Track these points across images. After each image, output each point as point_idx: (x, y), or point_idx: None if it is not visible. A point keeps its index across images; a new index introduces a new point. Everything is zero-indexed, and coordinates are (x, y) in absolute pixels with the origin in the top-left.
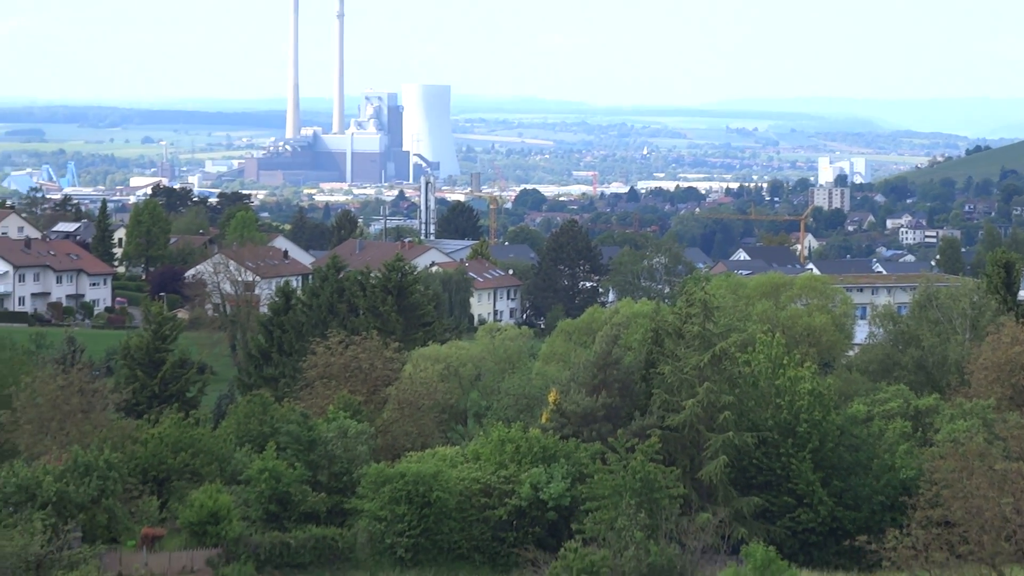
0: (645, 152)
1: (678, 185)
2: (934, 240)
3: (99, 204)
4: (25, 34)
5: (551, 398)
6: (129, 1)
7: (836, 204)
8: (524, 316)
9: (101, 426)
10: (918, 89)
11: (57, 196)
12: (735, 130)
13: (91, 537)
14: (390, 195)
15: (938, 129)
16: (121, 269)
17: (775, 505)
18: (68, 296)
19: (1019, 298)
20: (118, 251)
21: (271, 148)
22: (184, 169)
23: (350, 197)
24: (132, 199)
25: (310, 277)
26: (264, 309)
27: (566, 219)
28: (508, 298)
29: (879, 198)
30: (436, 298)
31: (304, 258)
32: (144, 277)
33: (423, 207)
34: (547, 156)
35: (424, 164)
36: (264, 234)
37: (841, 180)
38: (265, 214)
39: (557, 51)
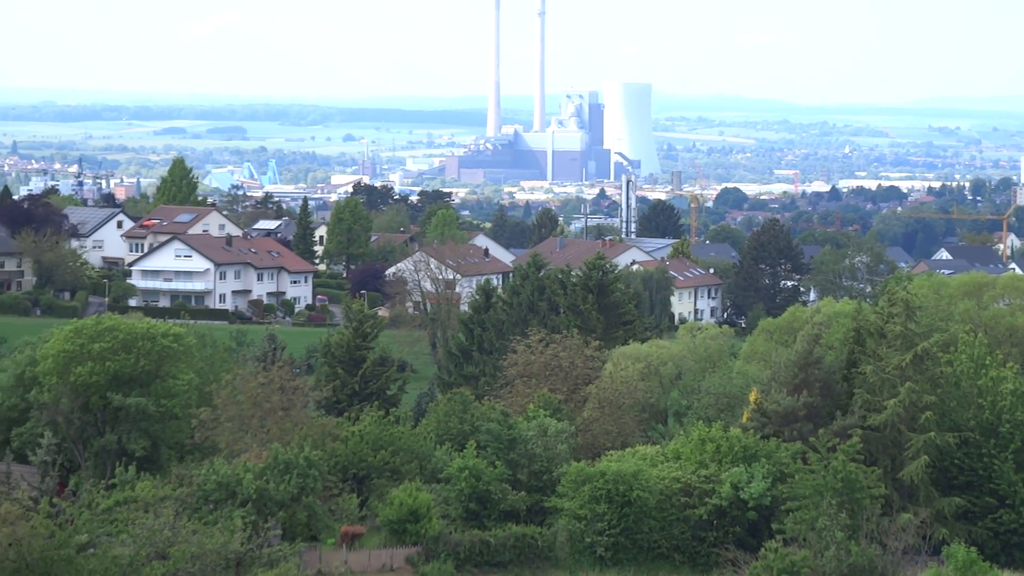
0: (847, 151)
1: (880, 184)
2: None
3: (300, 202)
4: (228, 32)
5: (752, 397)
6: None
7: None
8: (725, 315)
9: (301, 424)
10: None
11: (258, 194)
12: (937, 129)
13: (291, 535)
14: (591, 193)
15: None
16: (322, 267)
17: (977, 506)
18: (269, 294)
19: None
20: (319, 249)
21: (472, 146)
22: (385, 167)
23: (551, 195)
24: (333, 197)
25: (511, 275)
26: (464, 307)
27: (767, 218)
28: (709, 297)
29: None
30: (637, 296)
31: (505, 256)
32: (345, 275)
33: (624, 205)
34: (748, 155)
35: (625, 162)
36: (465, 232)
37: None
38: (466, 212)
39: (758, 49)
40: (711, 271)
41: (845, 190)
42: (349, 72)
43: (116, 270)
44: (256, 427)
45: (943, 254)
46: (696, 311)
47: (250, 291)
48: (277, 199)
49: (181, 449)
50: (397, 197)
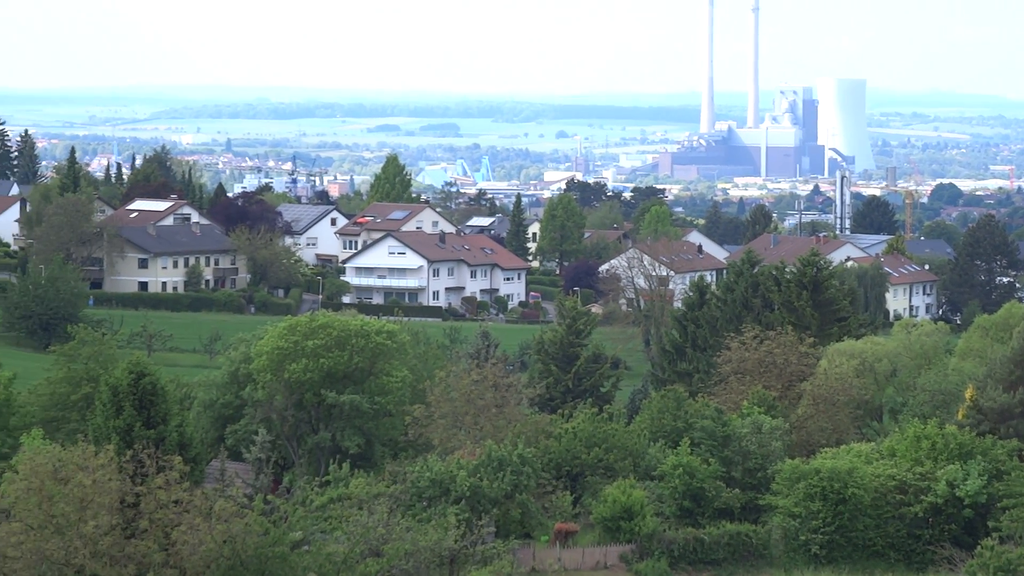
0: None
1: None
2: None
3: (513, 198)
4: (440, 30)
5: (968, 394)
6: None
7: None
8: (940, 311)
9: (515, 421)
10: None
11: (471, 190)
12: None
13: (504, 532)
14: (804, 189)
15: None
16: (535, 263)
17: None
18: (482, 290)
19: None
20: (532, 245)
21: (685, 143)
22: (598, 164)
23: (764, 191)
24: (546, 193)
25: (724, 272)
26: (678, 304)
27: (983, 214)
28: (924, 293)
29: None
30: (851, 293)
31: (718, 253)
32: (558, 272)
33: (838, 201)
34: (963, 150)
35: (839, 158)
36: (678, 229)
37: None
38: (679, 209)
39: (972, 44)
40: (926, 267)
41: None
42: (562, 69)
43: (330, 267)
44: (469, 424)
45: None
46: (911, 308)
47: (463, 288)
48: (490, 196)
49: (395, 446)
50: (610, 194)
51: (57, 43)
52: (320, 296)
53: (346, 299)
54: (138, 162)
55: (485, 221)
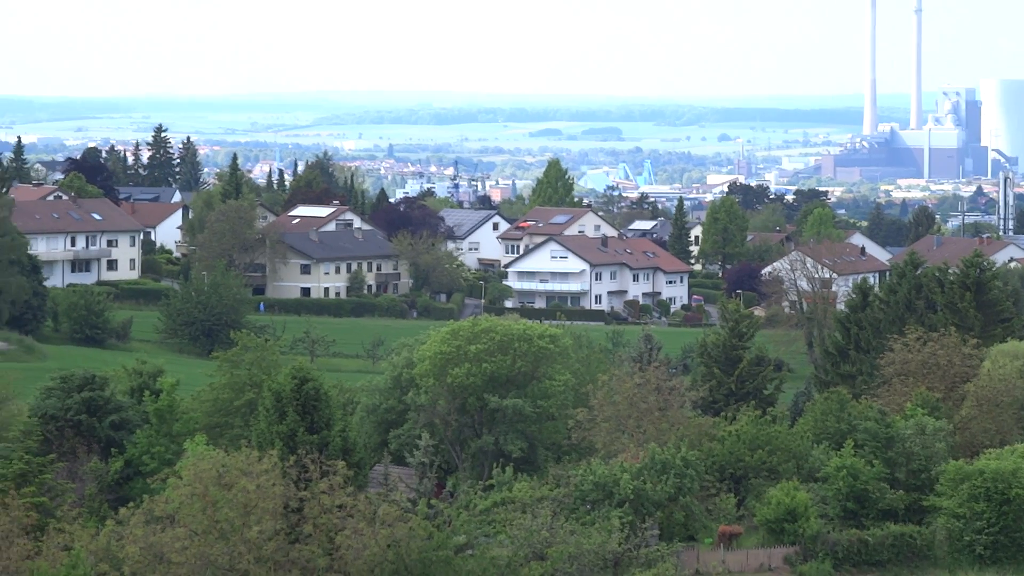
0: None
1: None
2: None
3: (675, 202)
4: (604, 34)
5: None
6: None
7: None
8: None
9: (678, 424)
10: None
11: (633, 194)
12: None
13: (668, 535)
14: (967, 191)
15: None
16: (697, 267)
17: None
18: (644, 294)
19: None
20: (694, 249)
21: (848, 145)
22: (760, 166)
23: (927, 193)
24: (708, 197)
25: (887, 274)
26: (841, 306)
27: None
28: None
29: None
30: (1015, 294)
31: (881, 255)
32: (720, 275)
33: (1001, 203)
34: None
35: (1002, 159)
36: (841, 231)
37: None
38: (842, 211)
39: None
40: None
41: None
42: (725, 72)
43: (492, 272)
44: (632, 427)
45: None
46: None
47: (626, 291)
48: (652, 199)
49: (558, 450)
50: (772, 196)
51: (220, 51)
52: (482, 301)
53: (508, 303)
54: (300, 168)
55: (647, 225)
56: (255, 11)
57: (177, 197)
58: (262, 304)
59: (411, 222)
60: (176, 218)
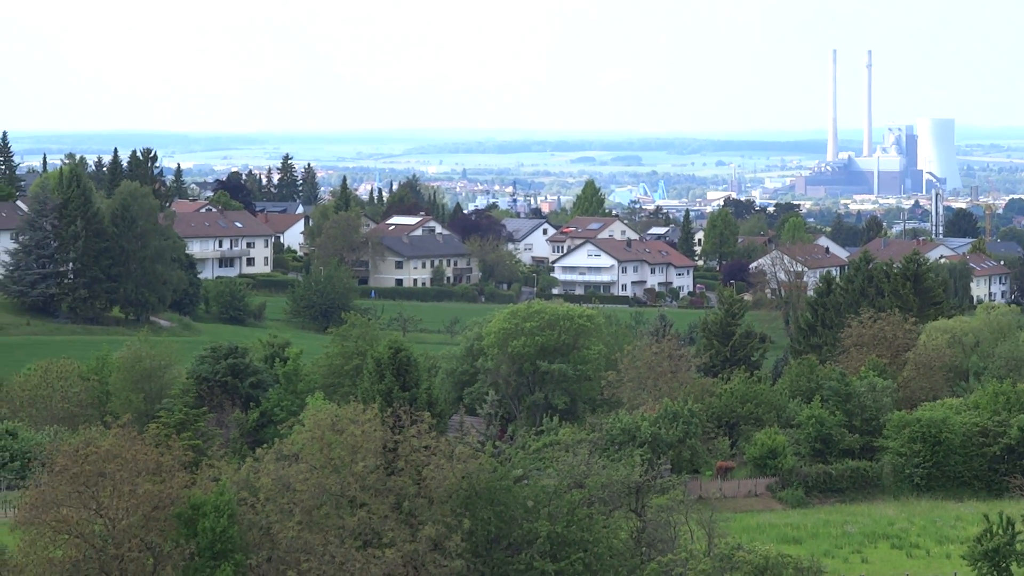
0: None
1: None
2: None
3: (683, 213)
4: (626, 82)
5: None
6: (715, 50)
7: None
8: (1012, 296)
9: (685, 383)
10: None
11: (651, 207)
12: None
13: (678, 469)
14: (907, 204)
15: None
16: (700, 262)
17: None
18: (659, 283)
19: None
20: (698, 248)
21: (815, 168)
22: (748, 185)
23: (876, 206)
24: (708, 209)
25: (846, 267)
26: (810, 292)
27: None
28: (1000, 283)
29: None
30: (944, 283)
31: (841, 253)
32: (717, 268)
33: (933, 213)
34: None
35: (934, 180)
36: (810, 235)
37: None
38: (811, 219)
39: None
40: (1002, 263)
41: None
42: (721, 112)
43: (542, 266)
44: (651, 386)
45: None
46: (990, 294)
47: (645, 281)
48: (665, 211)
49: (593, 403)
50: (757, 208)
51: (333, 97)
52: (535, 289)
53: (555, 291)
54: (394, 187)
55: (661, 230)
56: (361, 65)
57: (300, 209)
58: (373, 291)
59: (480, 228)
60: (299, 226)
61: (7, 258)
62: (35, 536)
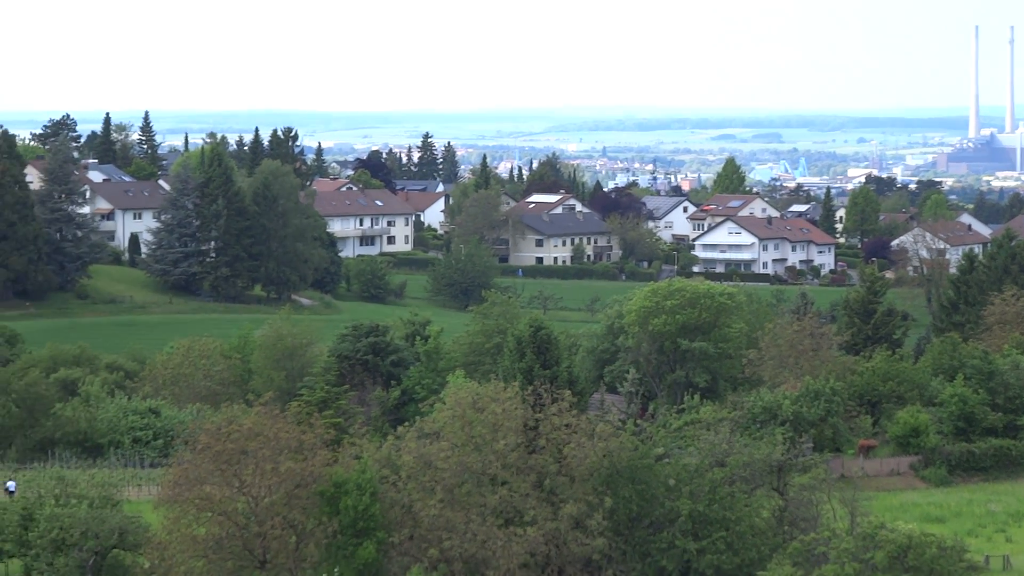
0: None
1: None
2: None
3: (824, 190)
4: (769, 59)
5: None
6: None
7: None
8: None
9: (827, 361)
10: None
11: (791, 184)
12: None
13: (819, 447)
14: None
15: None
16: (841, 240)
17: None
18: (800, 261)
19: None
20: (839, 226)
21: (957, 145)
22: (890, 162)
23: (1019, 182)
24: (849, 186)
25: (988, 245)
26: (953, 270)
27: None
28: None
29: None
30: None
31: (983, 230)
32: (859, 246)
33: None
34: None
35: None
36: (952, 212)
37: None
38: (953, 196)
39: None
40: None
41: None
42: (863, 88)
43: (682, 244)
44: (792, 364)
45: None
46: None
47: (786, 259)
48: (806, 188)
49: (734, 381)
50: (899, 186)
51: (473, 75)
52: (675, 266)
53: (695, 269)
54: (534, 165)
55: (802, 207)
56: (501, 44)
57: (440, 188)
58: (520, 270)
59: (620, 206)
60: (439, 204)
61: (150, 237)
62: (178, 514)
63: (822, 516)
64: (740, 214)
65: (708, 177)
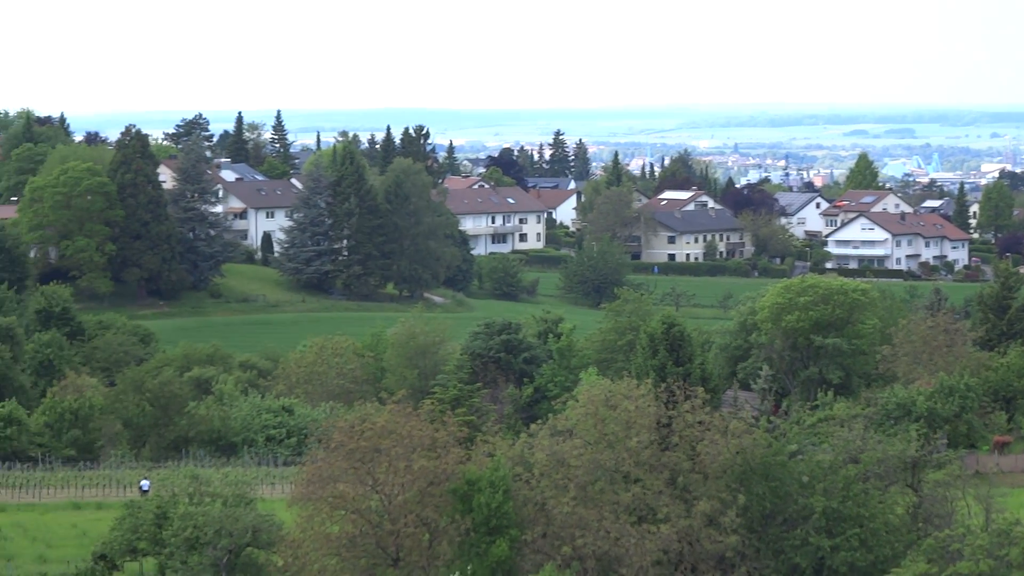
0: None
1: None
2: None
3: (957, 185)
4: (900, 54)
5: None
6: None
7: None
8: None
9: (961, 357)
10: None
11: (924, 180)
12: None
13: (954, 443)
14: None
15: None
16: (975, 235)
17: None
18: (934, 257)
19: None
20: (973, 221)
21: None
22: (1023, 158)
23: None
24: (983, 181)
25: None
26: None
27: None
28: None
29: None
30: None
31: None
32: (993, 241)
33: None
34: None
35: None
36: None
37: None
38: None
39: None
40: None
41: None
42: (996, 83)
43: (815, 241)
44: (926, 360)
45: None
46: None
47: (919, 255)
48: (939, 184)
49: (868, 377)
50: None
51: (605, 73)
52: (808, 263)
53: (828, 265)
54: (666, 162)
55: (936, 203)
56: (631, 40)
57: (571, 185)
58: (656, 267)
59: (752, 203)
60: (571, 201)
61: (282, 236)
62: (312, 512)
63: (956, 513)
64: (873, 210)
65: (840, 173)
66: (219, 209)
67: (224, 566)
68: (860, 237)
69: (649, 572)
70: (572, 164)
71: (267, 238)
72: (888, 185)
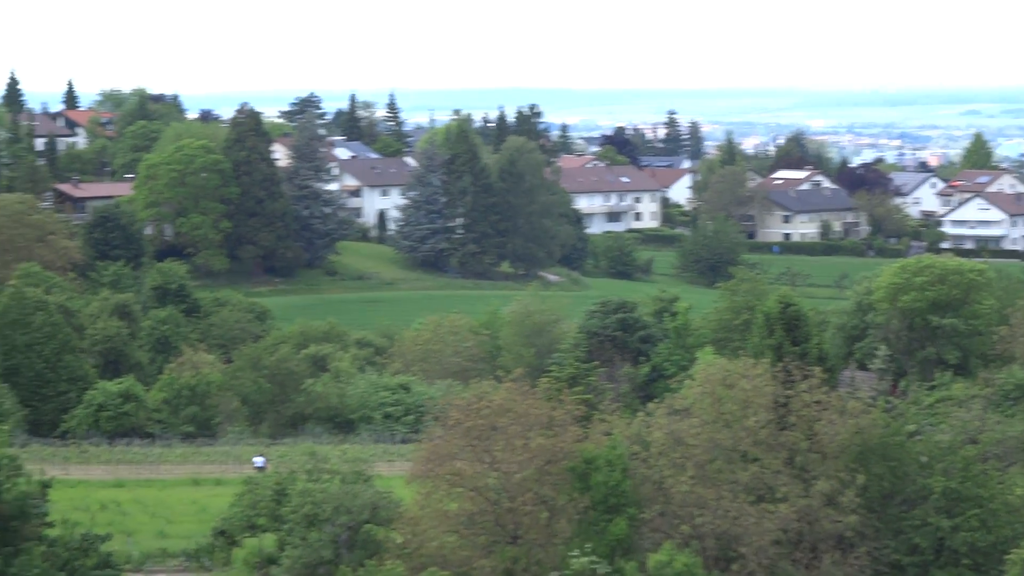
0: None
1: None
2: None
3: None
4: (1015, 32)
5: None
6: None
7: None
8: None
9: None
10: None
11: None
12: None
13: None
14: None
15: None
16: None
17: None
18: None
19: None
20: None
21: None
22: None
23: None
24: None
25: None
26: None
27: None
28: None
29: None
30: None
31: None
32: None
33: None
34: None
35: None
36: None
37: None
38: None
39: None
40: None
41: None
42: None
43: (931, 221)
44: None
45: None
46: None
47: None
48: None
49: (985, 358)
50: None
51: (718, 51)
52: (924, 243)
53: (944, 245)
54: (780, 142)
55: None
56: (746, 21)
57: (686, 164)
58: (775, 247)
59: (867, 182)
60: (685, 180)
61: (397, 214)
62: (430, 489)
63: None
64: (988, 190)
65: (955, 153)
66: (334, 187)
67: (343, 542)
68: (976, 217)
69: (768, 551)
70: (686, 143)
71: (382, 216)
72: (1004, 165)
